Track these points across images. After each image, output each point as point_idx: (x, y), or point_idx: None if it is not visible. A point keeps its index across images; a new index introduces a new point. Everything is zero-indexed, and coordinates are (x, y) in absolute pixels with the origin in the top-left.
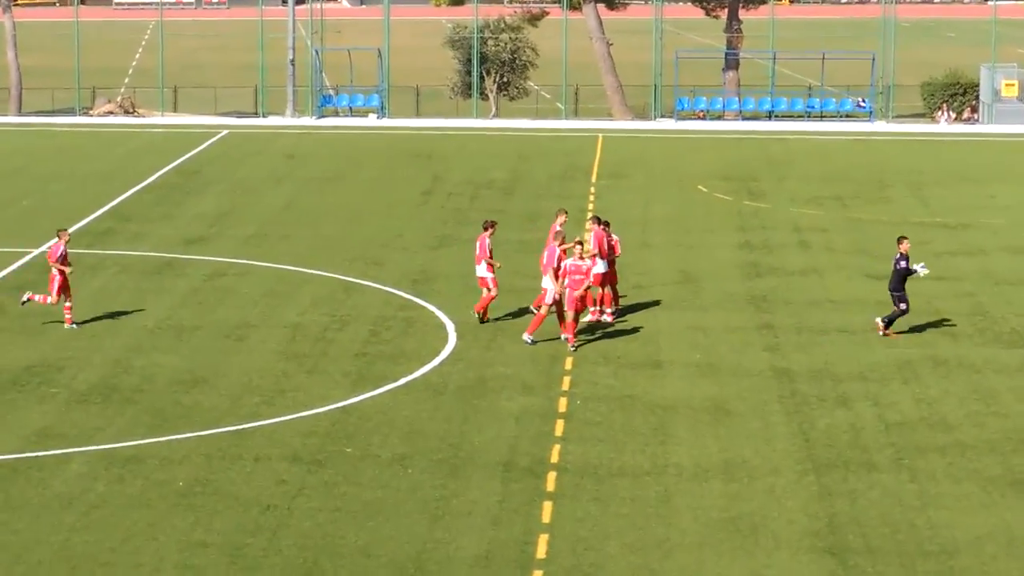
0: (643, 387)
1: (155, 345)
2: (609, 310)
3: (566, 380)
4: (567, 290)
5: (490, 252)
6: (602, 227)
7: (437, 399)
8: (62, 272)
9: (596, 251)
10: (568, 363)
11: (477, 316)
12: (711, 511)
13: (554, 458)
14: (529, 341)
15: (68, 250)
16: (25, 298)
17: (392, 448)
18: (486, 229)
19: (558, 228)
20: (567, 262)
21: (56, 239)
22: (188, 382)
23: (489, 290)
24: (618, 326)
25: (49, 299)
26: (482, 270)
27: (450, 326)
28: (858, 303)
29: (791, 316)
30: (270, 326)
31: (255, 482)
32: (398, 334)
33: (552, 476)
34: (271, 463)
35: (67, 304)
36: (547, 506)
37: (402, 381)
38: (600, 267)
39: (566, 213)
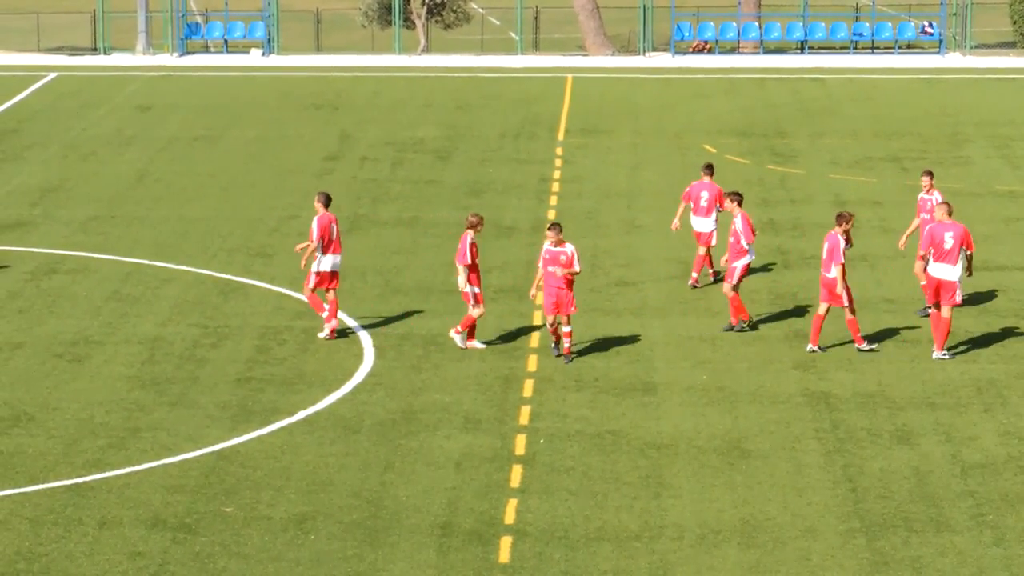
0: (630, 420)
1: None
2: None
3: (524, 411)
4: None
5: (473, 257)
6: (736, 202)
7: (349, 439)
8: None
9: (744, 235)
10: (527, 388)
11: (457, 338)
12: None
13: (509, 518)
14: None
15: None
16: None
17: (288, 507)
18: (472, 227)
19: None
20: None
21: None
22: (6, 420)
23: (474, 307)
24: (596, 337)
25: None
26: (463, 280)
27: (365, 339)
28: (923, 303)
29: (831, 321)
30: (118, 342)
31: (100, 556)
32: (294, 351)
33: (506, 543)
34: (122, 529)
35: None
36: None
37: (300, 415)
38: (748, 257)
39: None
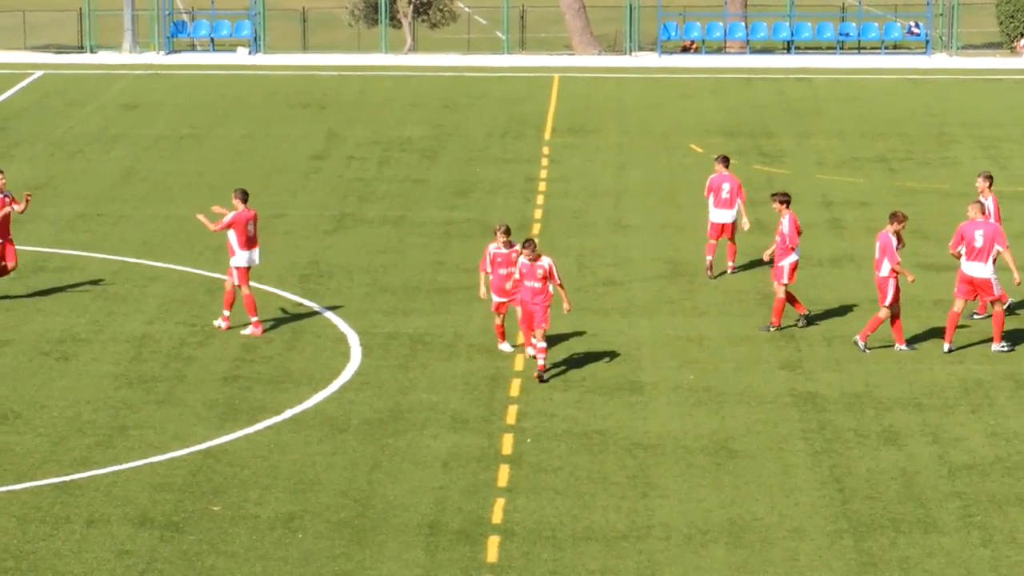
0: (617, 419)
1: None
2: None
3: (512, 410)
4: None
5: (494, 267)
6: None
7: (336, 438)
8: None
9: (790, 236)
10: (514, 387)
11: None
12: None
13: (496, 518)
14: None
15: None
16: None
17: (276, 505)
18: (508, 240)
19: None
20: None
21: None
22: None
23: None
24: (583, 336)
25: None
26: (501, 291)
27: (353, 338)
28: (911, 303)
29: (818, 321)
30: (105, 340)
31: (88, 553)
32: (281, 349)
33: (494, 542)
34: (110, 527)
35: None
36: None
37: (288, 414)
38: (794, 256)
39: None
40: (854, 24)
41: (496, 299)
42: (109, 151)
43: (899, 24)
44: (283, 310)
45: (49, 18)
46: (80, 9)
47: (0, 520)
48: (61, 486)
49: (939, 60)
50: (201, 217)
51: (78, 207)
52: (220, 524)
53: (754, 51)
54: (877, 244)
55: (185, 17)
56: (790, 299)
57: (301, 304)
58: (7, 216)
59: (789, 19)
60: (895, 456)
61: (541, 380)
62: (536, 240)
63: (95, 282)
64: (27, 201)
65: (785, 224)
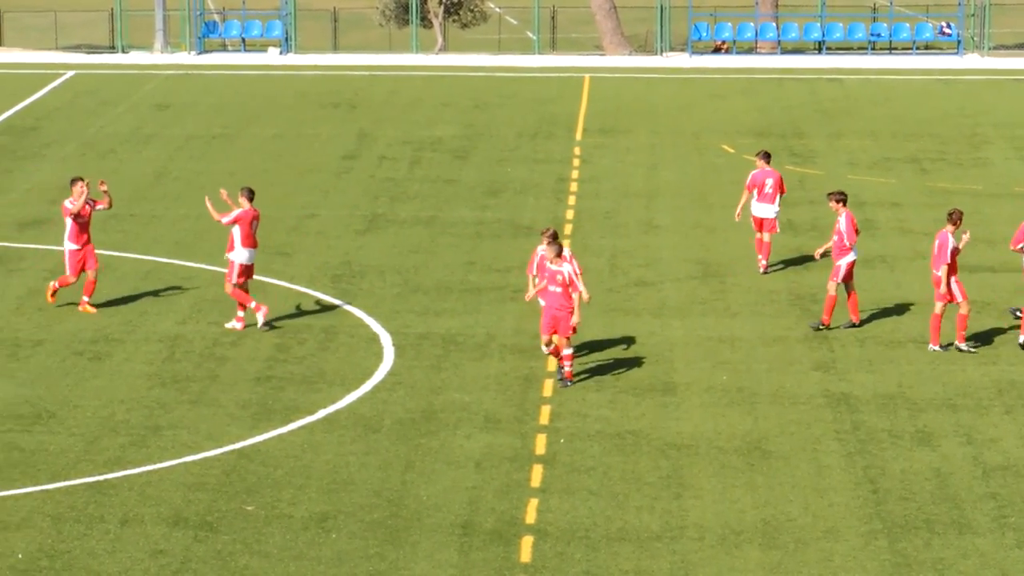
0: (650, 420)
1: None
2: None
3: (545, 411)
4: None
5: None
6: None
7: (369, 438)
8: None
9: (847, 234)
10: (547, 388)
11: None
12: None
13: (530, 518)
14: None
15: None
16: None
17: (309, 505)
18: (554, 245)
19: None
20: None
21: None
22: (27, 418)
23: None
24: (615, 337)
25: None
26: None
27: (385, 338)
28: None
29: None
30: (138, 340)
31: (122, 553)
32: (314, 349)
33: (527, 542)
34: (143, 526)
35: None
36: None
37: (321, 414)
38: (852, 255)
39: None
40: (885, 24)
41: (543, 302)
42: (141, 151)
43: (931, 24)
44: (317, 303)
45: (81, 18)
46: (112, 9)
47: (35, 519)
48: (95, 486)
49: (971, 60)
50: (208, 203)
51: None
52: (254, 524)
53: (785, 51)
54: (936, 243)
55: (216, 17)
56: (851, 302)
57: (334, 304)
58: (88, 220)
59: (820, 19)
60: (929, 457)
61: (564, 385)
62: (556, 233)
63: (127, 282)
64: (107, 195)
65: (842, 223)
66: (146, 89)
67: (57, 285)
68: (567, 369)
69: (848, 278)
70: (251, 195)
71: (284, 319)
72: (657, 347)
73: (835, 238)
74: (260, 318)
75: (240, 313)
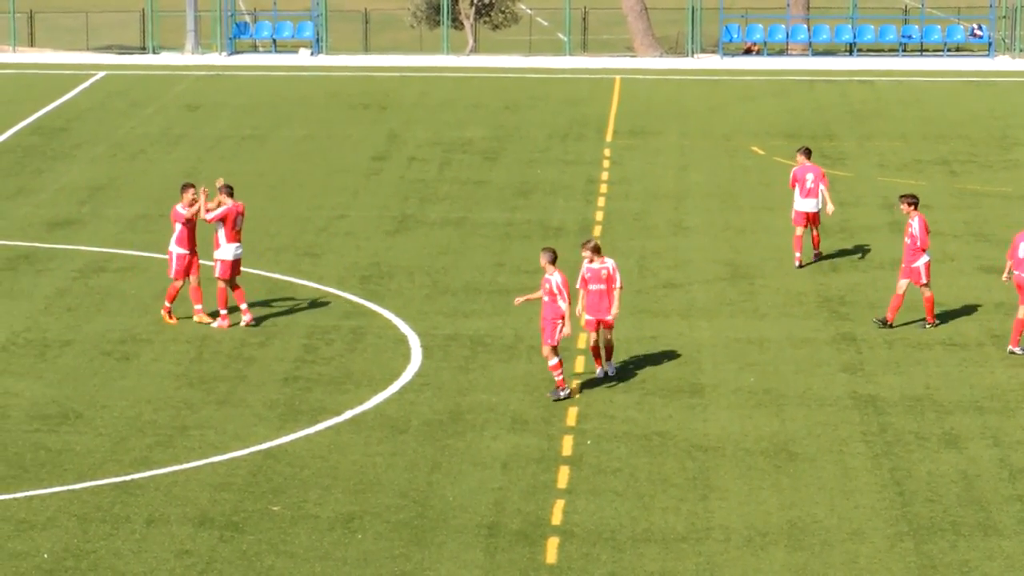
0: (677, 421)
1: (8, 367)
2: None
3: (572, 412)
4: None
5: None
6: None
7: (396, 439)
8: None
9: (920, 238)
10: (574, 389)
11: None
12: None
13: (556, 519)
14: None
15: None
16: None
17: (335, 506)
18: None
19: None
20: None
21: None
22: (55, 417)
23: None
24: (643, 338)
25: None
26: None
27: (413, 339)
28: (972, 306)
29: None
30: (166, 340)
31: (148, 553)
32: (342, 350)
33: (553, 543)
34: (169, 527)
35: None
36: None
37: (348, 415)
38: (926, 256)
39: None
40: (916, 26)
41: (587, 317)
42: (171, 152)
43: (962, 26)
44: (345, 312)
45: (112, 19)
46: (143, 10)
47: (61, 519)
48: (121, 486)
49: (1002, 62)
50: (203, 194)
51: (140, 208)
52: (280, 524)
53: (816, 53)
54: (1021, 245)
55: (247, 18)
56: (928, 304)
57: (362, 305)
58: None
59: (851, 21)
60: (956, 459)
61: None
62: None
63: (156, 282)
64: (204, 195)
65: (915, 226)
66: (177, 90)
67: (168, 304)
68: (559, 377)
69: (927, 278)
70: (230, 191)
71: (312, 320)
72: (685, 348)
73: (907, 241)
74: (216, 324)
75: (223, 311)
